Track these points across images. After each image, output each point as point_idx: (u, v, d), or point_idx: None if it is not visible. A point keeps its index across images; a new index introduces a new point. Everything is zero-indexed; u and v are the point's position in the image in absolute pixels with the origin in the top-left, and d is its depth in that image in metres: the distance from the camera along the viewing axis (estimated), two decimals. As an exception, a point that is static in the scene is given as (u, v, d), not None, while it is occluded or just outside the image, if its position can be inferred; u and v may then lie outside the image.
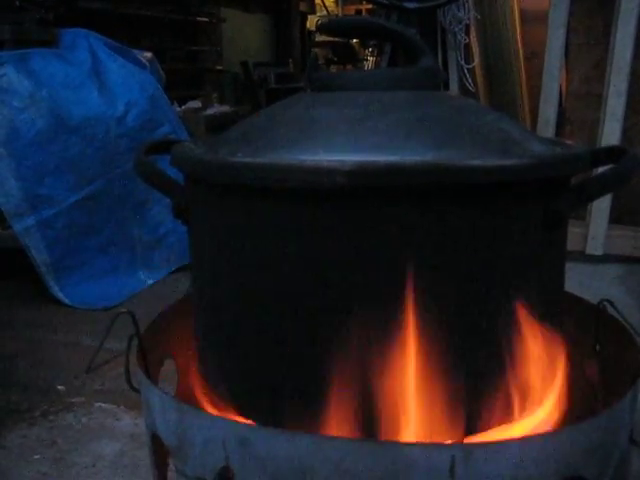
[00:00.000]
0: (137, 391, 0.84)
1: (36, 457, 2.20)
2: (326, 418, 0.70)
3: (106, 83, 3.13)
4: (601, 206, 2.93)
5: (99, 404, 2.45)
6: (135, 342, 0.86)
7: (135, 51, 3.43)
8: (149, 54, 3.53)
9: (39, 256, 3.03)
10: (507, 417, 0.75)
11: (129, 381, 0.89)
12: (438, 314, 0.71)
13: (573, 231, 2.86)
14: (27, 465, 2.14)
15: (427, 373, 0.70)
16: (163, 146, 0.88)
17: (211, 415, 0.73)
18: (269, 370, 0.75)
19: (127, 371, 0.87)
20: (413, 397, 0.70)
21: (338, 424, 0.71)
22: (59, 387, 2.55)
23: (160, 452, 0.77)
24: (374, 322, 0.72)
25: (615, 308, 0.92)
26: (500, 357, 0.74)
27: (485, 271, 0.73)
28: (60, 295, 3.07)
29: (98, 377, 2.60)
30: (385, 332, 0.71)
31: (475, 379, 0.73)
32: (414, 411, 0.71)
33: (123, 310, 0.87)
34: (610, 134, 2.90)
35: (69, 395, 2.51)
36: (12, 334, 2.91)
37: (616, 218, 3.09)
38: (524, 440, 0.65)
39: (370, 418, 0.72)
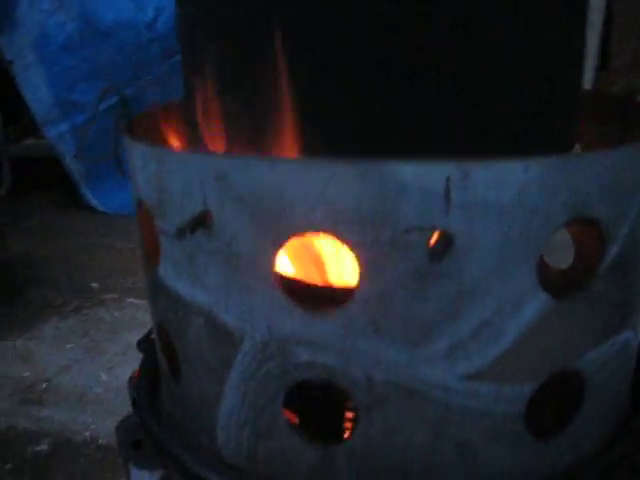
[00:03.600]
0: (123, 173, 0.80)
1: (69, 346, 2.24)
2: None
3: (135, -13, 3.07)
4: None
5: (131, 300, 2.47)
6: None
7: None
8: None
9: (73, 163, 3.03)
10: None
11: (117, 158, 0.85)
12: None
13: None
14: (60, 352, 2.18)
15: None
16: None
17: (188, 154, 0.68)
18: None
19: (116, 145, 0.83)
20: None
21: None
22: (92, 285, 2.58)
23: (146, 220, 0.73)
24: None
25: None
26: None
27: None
28: (94, 202, 3.08)
29: (130, 276, 2.62)
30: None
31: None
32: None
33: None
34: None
35: (102, 292, 2.54)
36: (47, 239, 2.94)
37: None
38: (530, 162, 0.58)
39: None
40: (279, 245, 0.62)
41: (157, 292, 0.77)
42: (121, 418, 0.88)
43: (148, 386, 0.88)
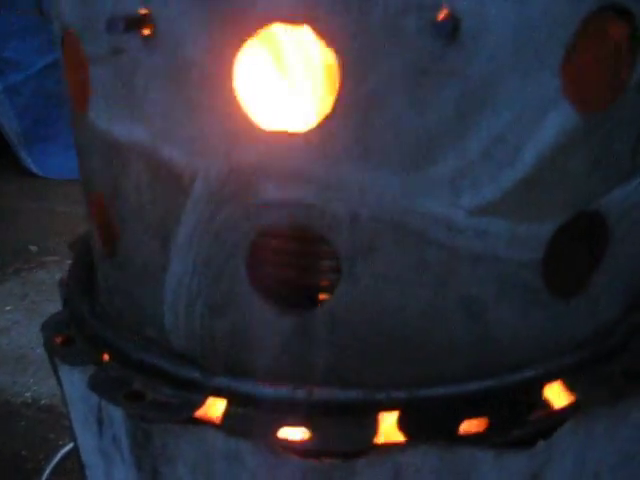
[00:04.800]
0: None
1: (7, 308, 2.07)
2: None
3: None
4: None
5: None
6: None
7: None
8: None
9: (9, 125, 2.82)
10: None
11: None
12: None
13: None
14: (-1, 315, 2.03)
15: None
16: None
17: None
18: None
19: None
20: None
21: None
22: (31, 247, 2.40)
23: (73, 53, 0.59)
24: None
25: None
26: None
27: None
28: (33, 166, 2.88)
29: (72, 239, 2.45)
30: None
31: None
32: None
33: None
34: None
35: (42, 255, 2.36)
36: (-18, 203, 2.74)
37: None
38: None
39: None
40: (239, 46, 0.49)
41: (88, 147, 0.62)
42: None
43: (80, 281, 0.73)
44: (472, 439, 0.53)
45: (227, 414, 0.53)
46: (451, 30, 0.46)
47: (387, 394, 0.52)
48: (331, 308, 0.53)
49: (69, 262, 2.33)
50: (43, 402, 1.57)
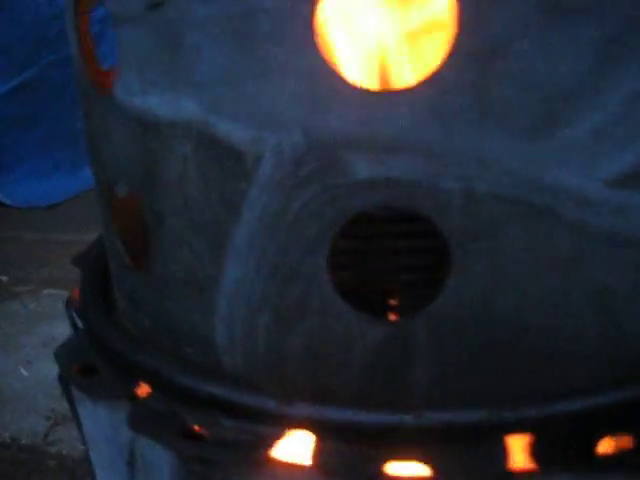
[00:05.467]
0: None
1: (-20, 342, 1.93)
2: None
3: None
4: None
5: (48, 291, 2.16)
6: None
7: None
8: None
9: (-27, 153, 2.67)
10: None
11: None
12: None
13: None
14: (-29, 350, 1.87)
15: None
16: None
17: None
18: None
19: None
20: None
21: None
22: (2, 277, 2.24)
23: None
24: None
25: None
26: None
27: None
28: (0, 196, 2.72)
29: (45, 267, 2.30)
30: None
31: None
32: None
33: None
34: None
35: (14, 285, 2.21)
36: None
37: None
38: None
39: None
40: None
41: (110, 133, 0.51)
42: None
43: (96, 299, 0.61)
44: (614, 461, 0.43)
45: (318, 450, 0.42)
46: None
47: (515, 412, 0.42)
48: (436, 310, 0.43)
49: (45, 291, 2.20)
50: (24, 442, 1.42)
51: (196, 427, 0.47)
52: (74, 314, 0.63)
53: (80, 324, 0.62)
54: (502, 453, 0.41)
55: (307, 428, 0.44)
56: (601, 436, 0.43)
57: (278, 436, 0.44)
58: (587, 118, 0.40)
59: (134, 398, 0.51)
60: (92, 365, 0.55)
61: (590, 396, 0.43)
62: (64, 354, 0.56)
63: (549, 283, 0.43)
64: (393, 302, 0.46)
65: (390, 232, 0.44)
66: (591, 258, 0.43)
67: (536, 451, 0.42)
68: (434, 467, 0.41)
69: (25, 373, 1.65)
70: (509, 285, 0.43)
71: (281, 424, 0.44)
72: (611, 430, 0.44)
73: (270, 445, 0.44)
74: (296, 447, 0.44)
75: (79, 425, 0.57)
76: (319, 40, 0.40)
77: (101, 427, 0.53)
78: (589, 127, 0.40)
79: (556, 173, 0.41)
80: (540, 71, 0.39)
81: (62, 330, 1.54)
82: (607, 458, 0.43)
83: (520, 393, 0.43)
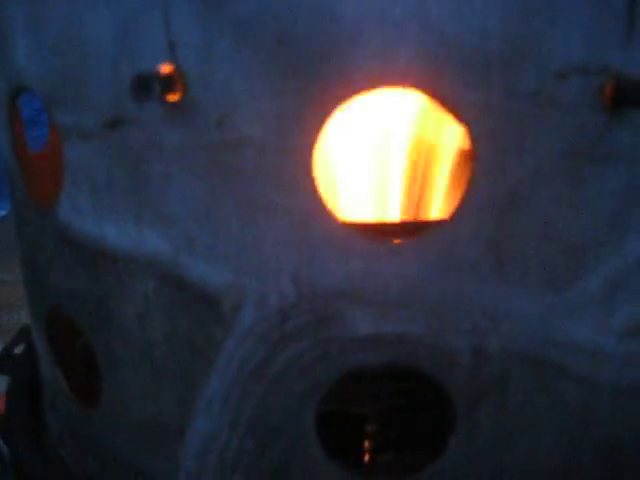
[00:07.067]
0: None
1: None
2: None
3: None
4: None
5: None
6: None
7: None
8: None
9: None
10: None
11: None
12: None
13: None
14: None
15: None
16: None
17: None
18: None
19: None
20: None
21: None
22: None
23: (21, 133, 0.41)
24: None
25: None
26: None
27: None
28: None
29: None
30: None
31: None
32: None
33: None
34: None
35: None
36: None
37: None
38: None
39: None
40: (324, 119, 0.34)
41: (51, 253, 0.44)
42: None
43: (25, 423, 0.53)
44: None
45: None
46: (616, 102, 0.34)
47: None
48: (439, 472, 0.39)
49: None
50: None
51: None
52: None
53: (4, 450, 0.54)
54: None
55: None
56: None
57: None
58: (606, 269, 0.37)
59: None
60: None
61: None
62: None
63: (557, 438, 0.39)
64: (391, 464, 0.41)
65: (388, 390, 0.40)
66: (598, 409, 0.40)
67: None
68: None
69: None
70: (517, 441, 0.39)
71: None
72: None
73: None
74: None
75: None
76: (313, 178, 0.35)
77: None
78: (607, 277, 0.37)
79: (570, 328, 0.37)
80: (562, 222, 0.36)
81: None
82: None
83: None
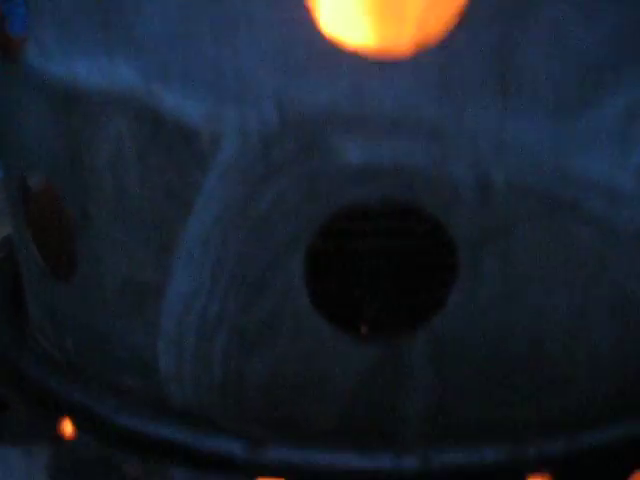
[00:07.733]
0: None
1: None
2: None
3: None
4: None
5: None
6: None
7: None
8: None
9: None
10: None
11: None
12: None
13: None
14: None
15: None
16: None
17: None
18: None
19: None
20: None
21: None
22: None
23: None
24: None
25: None
26: None
27: None
28: None
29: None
30: None
31: None
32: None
33: None
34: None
35: None
36: None
37: None
38: None
39: None
40: None
41: (19, 105, 0.41)
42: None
43: (4, 314, 0.51)
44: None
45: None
46: None
47: (537, 448, 0.35)
48: (439, 327, 0.35)
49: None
50: None
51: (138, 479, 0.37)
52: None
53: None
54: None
55: (282, 476, 0.35)
56: (632, 469, 0.37)
57: (244, 488, 0.35)
58: (624, 93, 0.33)
59: (57, 441, 0.40)
60: (0, 398, 0.44)
61: (619, 424, 0.37)
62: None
63: (569, 291, 0.36)
64: (385, 318, 0.37)
65: (384, 230, 0.36)
66: (614, 258, 0.36)
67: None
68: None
69: None
70: (524, 294, 0.36)
71: (249, 472, 0.35)
72: None
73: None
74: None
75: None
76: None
77: (13, 478, 0.42)
78: (625, 104, 0.33)
79: (584, 162, 0.34)
80: (576, 34, 0.32)
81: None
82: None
83: (539, 425, 0.36)
